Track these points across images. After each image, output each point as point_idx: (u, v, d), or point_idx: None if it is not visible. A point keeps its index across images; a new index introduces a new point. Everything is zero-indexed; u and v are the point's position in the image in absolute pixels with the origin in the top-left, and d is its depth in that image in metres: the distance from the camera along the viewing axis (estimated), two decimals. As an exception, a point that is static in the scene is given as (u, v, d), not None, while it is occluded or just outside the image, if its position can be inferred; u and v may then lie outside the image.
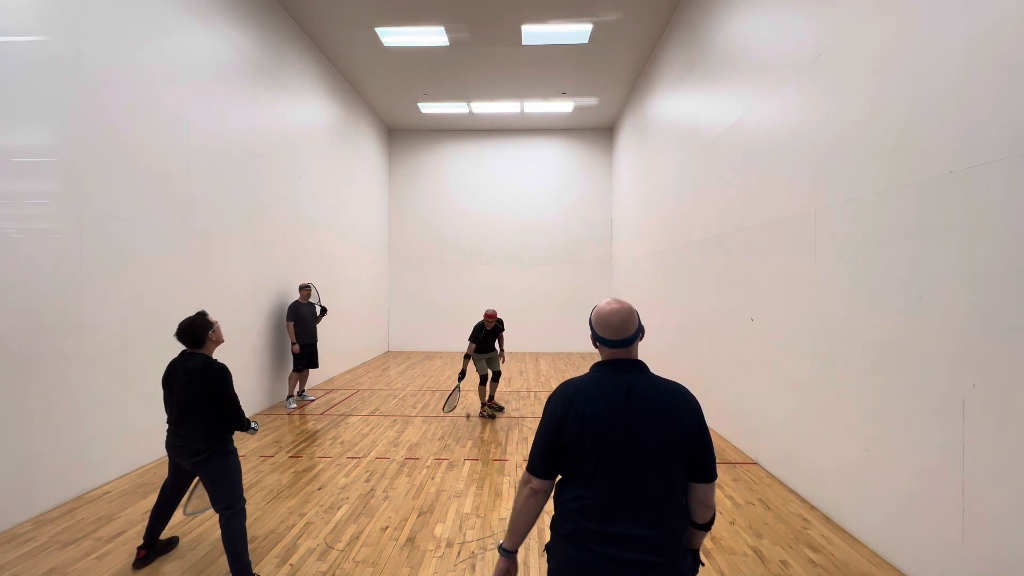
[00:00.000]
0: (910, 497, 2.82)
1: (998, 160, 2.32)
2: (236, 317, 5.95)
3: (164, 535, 3.16)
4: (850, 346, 3.32)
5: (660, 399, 1.45)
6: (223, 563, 2.91)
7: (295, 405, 6.78)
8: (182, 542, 3.20)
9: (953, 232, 2.55)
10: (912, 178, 2.81)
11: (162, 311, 4.67)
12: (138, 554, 2.94)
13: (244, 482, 4.12)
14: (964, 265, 2.48)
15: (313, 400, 7.14)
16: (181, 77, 5.06)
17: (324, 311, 7.21)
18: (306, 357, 6.83)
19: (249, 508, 3.65)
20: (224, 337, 2.96)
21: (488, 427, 5.82)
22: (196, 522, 3.46)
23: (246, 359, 6.19)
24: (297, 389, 7.04)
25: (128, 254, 4.36)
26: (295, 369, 6.81)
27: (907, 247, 2.84)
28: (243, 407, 2.80)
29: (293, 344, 6.68)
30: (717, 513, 3.58)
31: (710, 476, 1.46)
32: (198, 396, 2.68)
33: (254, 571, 2.80)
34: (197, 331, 2.79)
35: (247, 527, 2.80)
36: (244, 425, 2.82)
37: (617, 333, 1.50)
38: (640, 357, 1.56)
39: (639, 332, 1.53)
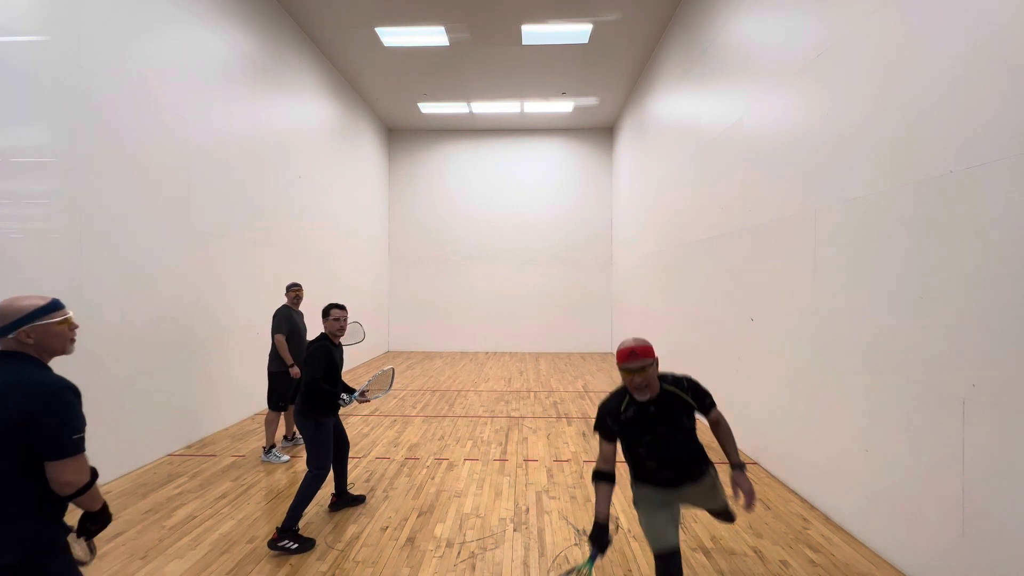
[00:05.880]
0: (910, 497, 2.82)
1: (998, 160, 2.32)
2: (235, 316, 5.95)
3: (357, 492, 3.88)
4: (850, 346, 3.32)
5: None
6: (223, 563, 2.93)
7: (287, 457, 4.58)
8: (182, 541, 3.20)
9: (953, 232, 2.55)
10: (912, 178, 2.81)
11: (162, 311, 4.67)
12: (331, 499, 3.63)
13: (244, 482, 4.14)
14: (964, 265, 2.48)
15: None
16: (181, 77, 5.06)
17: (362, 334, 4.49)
18: (295, 386, 4.60)
19: (249, 508, 3.67)
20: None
21: (488, 427, 5.81)
22: (196, 522, 3.46)
23: (247, 359, 6.18)
24: (283, 434, 5.11)
25: (128, 254, 4.36)
26: (274, 408, 4.56)
27: (907, 247, 2.84)
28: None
29: (291, 366, 4.57)
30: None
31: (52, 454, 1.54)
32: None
33: (255, 572, 2.82)
34: None
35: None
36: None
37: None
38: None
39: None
